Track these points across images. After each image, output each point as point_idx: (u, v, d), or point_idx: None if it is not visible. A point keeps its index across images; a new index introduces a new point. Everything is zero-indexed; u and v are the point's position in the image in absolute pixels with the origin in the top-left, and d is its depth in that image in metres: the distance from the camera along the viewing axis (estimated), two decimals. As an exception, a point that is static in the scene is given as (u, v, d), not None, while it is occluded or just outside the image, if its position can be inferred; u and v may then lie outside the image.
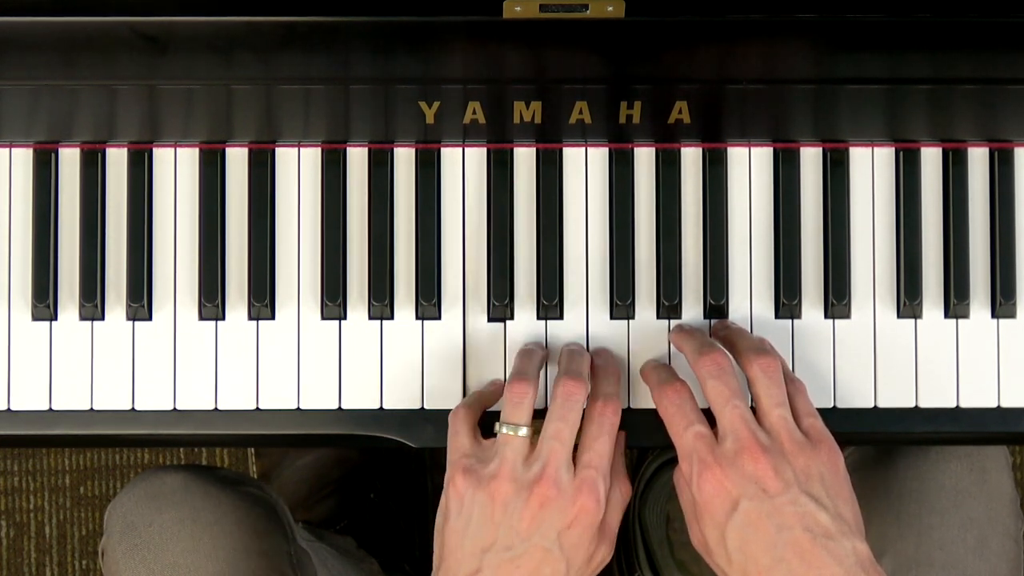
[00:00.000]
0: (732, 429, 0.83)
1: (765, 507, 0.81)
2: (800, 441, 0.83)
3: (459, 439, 0.87)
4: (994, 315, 0.94)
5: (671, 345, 0.93)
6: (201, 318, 0.94)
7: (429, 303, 0.93)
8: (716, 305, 0.93)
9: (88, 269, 0.93)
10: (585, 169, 0.94)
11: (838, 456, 0.84)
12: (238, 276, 0.94)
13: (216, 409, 0.93)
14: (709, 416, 0.85)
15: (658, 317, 0.94)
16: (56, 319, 0.94)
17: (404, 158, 0.94)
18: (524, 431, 0.85)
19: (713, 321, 0.94)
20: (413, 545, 1.41)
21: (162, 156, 0.94)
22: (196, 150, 0.94)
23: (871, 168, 0.95)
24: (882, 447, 1.00)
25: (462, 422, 0.88)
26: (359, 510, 1.38)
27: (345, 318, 0.94)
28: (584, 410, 0.87)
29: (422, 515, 1.42)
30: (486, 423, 0.89)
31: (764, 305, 0.94)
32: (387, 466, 1.42)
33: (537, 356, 0.90)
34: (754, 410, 0.85)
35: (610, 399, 0.87)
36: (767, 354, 0.86)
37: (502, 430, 0.85)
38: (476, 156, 0.94)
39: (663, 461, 1.38)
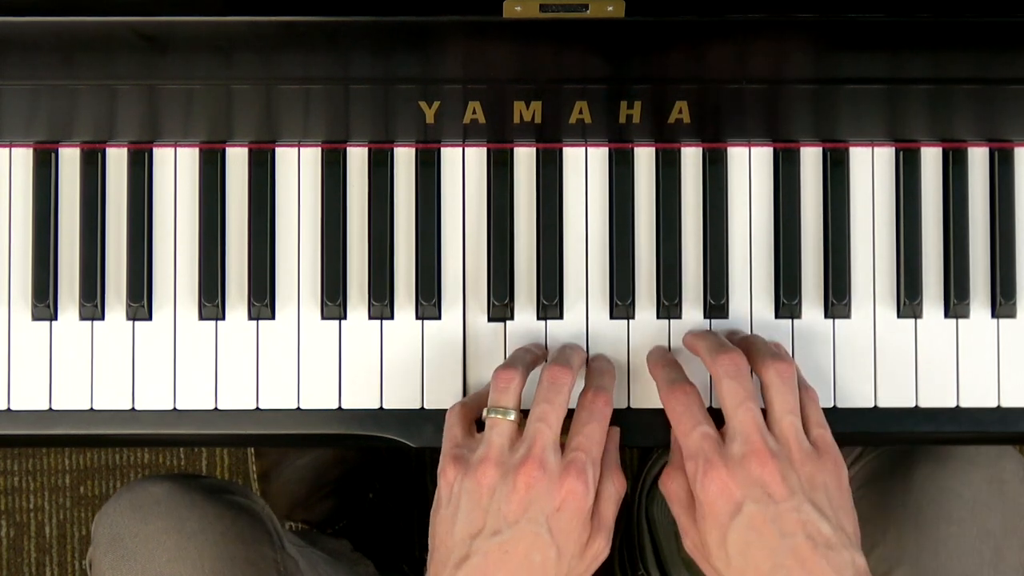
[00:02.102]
0: (743, 431, 0.83)
1: (769, 512, 0.81)
2: (808, 450, 0.83)
3: (452, 431, 0.87)
4: (994, 315, 0.94)
5: (683, 346, 0.93)
6: (201, 318, 0.93)
7: (429, 303, 0.93)
8: (716, 305, 0.93)
9: (88, 269, 0.93)
10: (585, 169, 0.94)
11: (843, 469, 0.84)
12: (238, 276, 0.94)
13: (216, 409, 0.93)
14: (716, 418, 0.85)
15: (658, 317, 0.94)
16: (56, 319, 0.94)
17: (404, 158, 0.94)
18: (512, 415, 0.85)
19: (725, 331, 0.93)
20: (412, 545, 1.41)
21: (162, 156, 0.94)
22: (196, 150, 0.94)
23: (871, 168, 0.95)
24: (900, 455, 1.00)
25: (457, 416, 0.88)
26: (358, 510, 1.38)
27: (345, 318, 0.94)
28: (577, 401, 0.87)
29: (421, 515, 1.42)
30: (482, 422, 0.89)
31: (764, 305, 0.94)
32: (386, 466, 1.42)
33: (530, 353, 0.90)
34: (764, 415, 0.85)
35: (601, 391, 0.87)
36: (783, 360, 0.86)
37: (489, 415, 0.85)
38: (476, 156, 0.94)
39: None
